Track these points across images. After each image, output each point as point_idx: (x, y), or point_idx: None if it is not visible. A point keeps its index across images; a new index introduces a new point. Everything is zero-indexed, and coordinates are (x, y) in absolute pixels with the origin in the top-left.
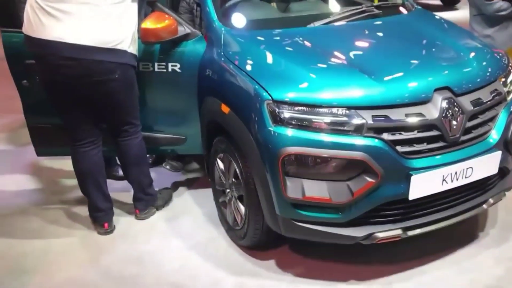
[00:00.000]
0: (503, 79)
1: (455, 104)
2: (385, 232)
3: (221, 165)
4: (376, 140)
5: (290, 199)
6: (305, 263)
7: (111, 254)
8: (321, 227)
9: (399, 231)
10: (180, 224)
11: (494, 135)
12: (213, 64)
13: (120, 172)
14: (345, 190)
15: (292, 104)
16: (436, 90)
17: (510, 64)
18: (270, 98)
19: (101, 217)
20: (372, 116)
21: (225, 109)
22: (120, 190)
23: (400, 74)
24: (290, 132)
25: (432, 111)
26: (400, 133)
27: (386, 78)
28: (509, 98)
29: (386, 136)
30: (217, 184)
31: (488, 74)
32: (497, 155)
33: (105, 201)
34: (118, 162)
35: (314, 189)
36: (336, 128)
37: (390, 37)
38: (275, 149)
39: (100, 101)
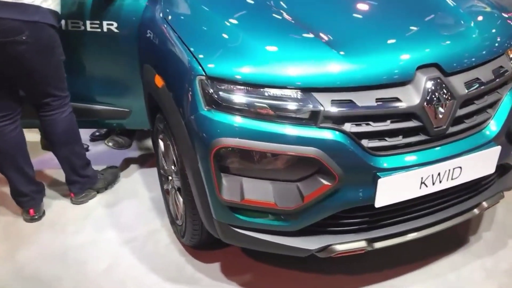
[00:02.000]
0: None
1: (444, 86)
2: (346, 244)
3: (162, 147)
4: (335, 133)
5: (226, 201)
6: (254, 268)
7: (31, 248)
8: (266, 236)
9: (363, 243)
10: (121, 211)
11: (493, 126)
12: (153, 25)
13: None
14: (294, 194)
15: (231, 82)
16: (420, 67)
17: None
18: (203, 72)
19: (25, 202)
20: (332, 101)
21: (158, 81)
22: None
23: (372, 45)
24: (226, 118)
25: (412, 95)
26: (367, 124)
27: (352, 50)
28: None
29: (348, 127)
30: (160, 167)
31: (492, 46)
32: (495, 151)
33: (28, 184)
34: None
35: (256, 191)
36: (284, 115)
37: None
38: (207, 139)
39: (9, 68)
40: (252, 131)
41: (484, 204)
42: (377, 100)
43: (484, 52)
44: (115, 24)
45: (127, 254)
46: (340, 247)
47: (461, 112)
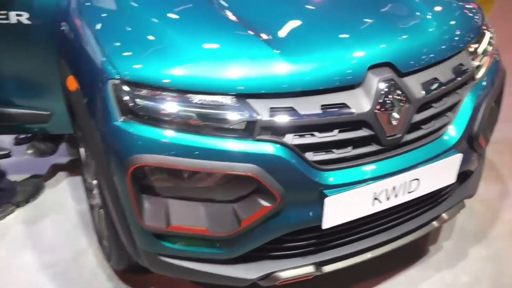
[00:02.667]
0: (473, 48)
1: (398, 88)
2: (291, 271)
3: (83, 157)
4: (275, 146)
5: (149, 228)
6: None
7: None
8: (198, 265)
9: (310, 268)
10: (42, 229)
11: (453, 131)
12: (68, 16)
13: None
14: (229, 217)
15: (150, 86)
16: (371, 67)
17: (485, 24)
18: (117, 75)
19: None
20: (270, 109)
21: (71, 83)
22: None
23: (316, 43)
24: (145, 130)
25: (363, 100)
26: (312, 134)
27: (293, 50)
28: (478, 76)
29: (290, 139)
30: (84, 179)
31: (451, 41)
32: (456, 159)
33: None
34: None
35: (185, 215)
36: (214, 126)
37: None
38: (122, 156)
39: None
40: (176, 146)
41: (444, 216)
42: (323, 107)
43: (443, 48)
44: (26, 15)
45: (45, 282)
46: (284, 274)
47: (418, 117)
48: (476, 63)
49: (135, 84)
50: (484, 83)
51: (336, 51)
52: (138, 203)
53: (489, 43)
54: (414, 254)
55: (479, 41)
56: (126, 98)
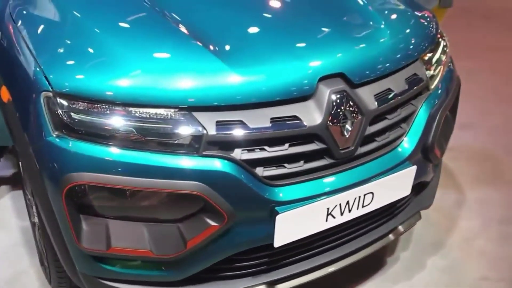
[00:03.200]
0: (427, 57)
1: (351, 100)
2: None
3: (22, 171)
4: (222, 162)
5: (88, 250)
6: None
7: None
8: None
9: None
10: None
11: (408, 143)
12: (1, 23)
13: None
14: (174, 238)
15: (86, 99)
16: (324, 78)
17: (439, 33)
18: (49, 87)
19: None
20: (217, 122)
21: (4, 95)
22: None
23: (265, 53)
24: (81, 147)
25: (314, 113)
26: (262, 149)
27: (242, 59)
28: (433, 86)
29: (238, 154)
30: (25, 195)
31: (406, 50)
32: (411, 171)
33: None
34: None
35: (126, 237)
36: (157, 141)
37: None
38: (56, 174)
39: None
40: (116, 163)
41: (400, 228)
42: (272, 119)
43: (396, 58)
44: None
45: None
46: None
47: (372, 129)
48: (430, 72)
49: (70, 97)
50: (439, 93)
51: (285, 62)
52: (74, 224)
53: (443, 52)
54: (371, 266)
55: (433, 50)
56: (60, 112)
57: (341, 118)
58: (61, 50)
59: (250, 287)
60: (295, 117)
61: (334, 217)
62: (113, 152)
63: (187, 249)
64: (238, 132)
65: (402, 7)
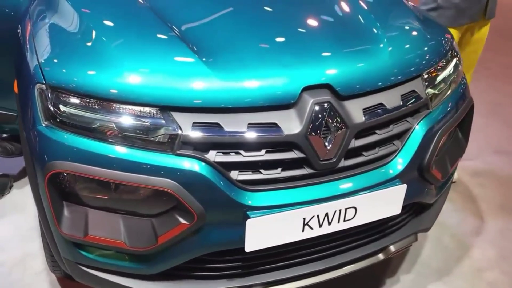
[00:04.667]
0: (431, 75)
1: (335, 112)
2: None
3: None
4: (196, 162)
5: (67, 236)
6: None
7: None
8: (118, 279)
9: None
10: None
11: (400, 161)
12: (22, 19)
13: None
14: (147, 232)
15: (73, 92)
16: (308, 88)
17: (451, 50)
18: (43, 80)
19: None
20: (194, 123)
21: (15, 87)
22: None
23: (249, 57)
24: (64, 137)
25: (294, 122)
26: (237, 153)
27: (222, 63)
28: (434, 105)
29: (213, 156)
30: None
31: (405, 67)
32: (400, 190)
33: None
34: None
35: (103, 226)
36: (133, 137)
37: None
38: (42, 161)
39: None
40: (94, 155)
41: (391, 248)
42: (250, 125)
43: (392, 74)
44: None
45: None
46: None
47: (358, 143)
48: (432, 91)
49: (58, 89)
50: (441, 113)
51: (268, 70)
52: (55, 209)
53: (453, 71)
54: (369, 286)
55: (440, 68)
56: (50, 103)
57: (322, 129)
58: (58, 47)
59: None
60: (274, 124)
61: (312, 228)
62: (94, 144)
63: (158, 244)
64: (213, 134)
65: (410, 22)
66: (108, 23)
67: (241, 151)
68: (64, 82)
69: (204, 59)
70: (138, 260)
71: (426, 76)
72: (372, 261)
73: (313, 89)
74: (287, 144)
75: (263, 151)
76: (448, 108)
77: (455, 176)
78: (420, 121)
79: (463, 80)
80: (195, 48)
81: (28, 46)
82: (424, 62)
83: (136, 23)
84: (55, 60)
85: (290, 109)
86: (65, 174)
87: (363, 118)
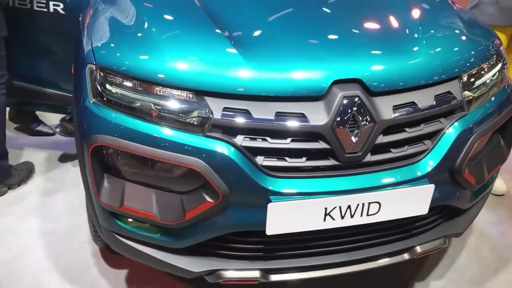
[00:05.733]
0: (471, 78)
1: (363, 107)
2: (236, 272)
3: None
4: (224, 145)
5: (105, 205)
6: (160, 282)
7: None
8: (150, 250)
9: (256, 273)
10: (54, 201)
11: (429, 161)
12: (83, 10)
13: (40, 127)
14: (176, 207)
15: (118, 73)
16: (339, 82)
17: (497, 54)
18: (93, 61)
19: None
20: (224, 108)
21: (72, 69)
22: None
23: (282, 49)
24: (107, 113)
25: (321, 113)
26: (264, 139)
27: (257, 54)
28: (470, 108)
29: (240, 140)
30: None
31: (442, 68)
32: (427, 189)
33: None
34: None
35: (137, 199)
36: (169, 118)
37: None
38: (87, 134)
39: None
40: (133, 131)
41: (418, 248)
42: (277, 113)
43: (427, 74)
44: (61, 5)
45: (38, 247)
46: (228, 274)
47: (386, 139)
48: (470, 93)
49: (107, 70)
50: (478, 116)
51: (300, 62)
52: (96, 180)
53: (497, 76)
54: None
55: (482, 72)
56: (98, 82)
57: (349, 122)
58: (111, 34)
59: (243, 270)
60: (301, 114)
61: (333, 219)
62: (133, 122)
63: (186, 219)
64: (242, 120)
65: (453, 25)
66: (159, 17)
67: (268, 138)
68: (112, 64)
69: (240, 50)
70: (167, 233)
71: (465, 79)
72: (397, 259)
73: (344, 83)
74: (312, 135)
75: (289, 139)
76: (487, 112)
77: (503, 188)
78: (453, 123)
79: (508, 85)
80: (233, 40)
81: (85, 32)
82: (463, 64)
83: (183, 17)
84: (106, 45)
85: (319, 101)
86: (106, 148)
87: (392, 115)
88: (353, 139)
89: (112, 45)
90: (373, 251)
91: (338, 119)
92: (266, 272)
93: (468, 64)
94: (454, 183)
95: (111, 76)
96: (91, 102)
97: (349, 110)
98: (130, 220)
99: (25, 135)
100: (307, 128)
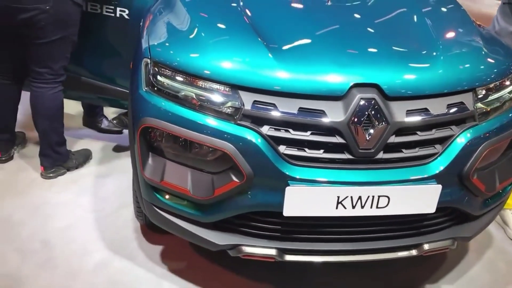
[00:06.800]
0: (485, 91)
1: (378, 108)
2: (255, 248)
3: None
4: (251, 132)
5: (147, 179)
6: (191, 259)
7: (17, 195)
8: (181, 222)
9: (273, 251)
10: (106, 183)
11: (438, 163)
12: (145, 15)
13: (105, 124)
14: (207, 185)
15: (168, 67)
16: (358, 85)
17: None
18: (149, 56)
19: None
20: (254, 101)
21: (131, 65)
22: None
23: (309, 53)
24: (156, 100)
25: (340, 111)
26: (287, 130)
27: (286, 55)
28: (482, 119)
29: (266, 129)
30: None
31: (454, 80)
32: (434, 189)
33: (4, 133)
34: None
35: (175, 175)
36: (207, 106)
37: (338, 7)
38: (137, 117)
39: (25, 30)
40: (176, 116)
41: (425, 246)
42: (300, 109)
43: (442, 85)
44: (127, 11)
45: (88, 220)
46: (248, 249)
47: (397, 139)
48: (483, 106)
49: (159, 64)
50: (490, 127)
51: (324, 66)
52: (142, 157)
53: None
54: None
55: (498, 87)
56: (151, 73)
57: (364, 121)
58: (165, 35)
59: (262, 247)
60: (322, 111)
61: (345, 208)
62: (177, 108)
63: (214, 195)
64: (268, 112)
65: (472, 41)
66: (209, 24)
67: (290, 130)
68: (164, 59)
69: (273, 52)
70: (198, 208)
71: (479, 92)
72: (405, 254)
73: (363, 87)
74: (330, 130)
75: (309, 132)
76: (499, 125)
77: None
78: (463, 131)
79: None
80: (267, 43)
81: (144, 33)
82: (477, 79)
83: (228, 25)
84: (160, 43)
85: (339, 101)
86: (153, 130)
87: (404, 119)
88: (367, 136)
89: (166, 44)
90: (384, 243)
91: (354, 117)
92: (282, 251)
93: (483, 79)
94: (463, 188)
95: (162, 69)
96: (144, 90)
97: (365, 111)
98: (167, 196)
99: (90, 130)
100: (326, 123)
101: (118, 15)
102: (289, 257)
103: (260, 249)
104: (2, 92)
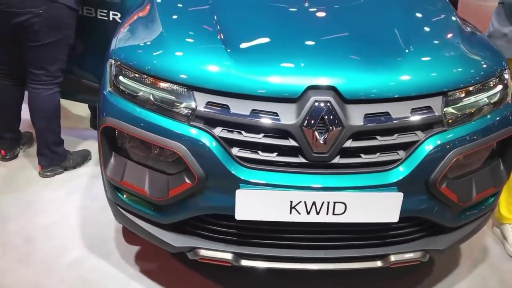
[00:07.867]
0: (457, 96)
1: (333, 112)
2: (211, 252)
3: None
4: (203, 134)
5: (109, 178)
6: (165, 262)
7: (10, 190)
8: (142, 223)
9: (229, 255)
10: (98, 184)
11: (400, 170)
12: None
13: None
14: (163, 186)
15: (129, 68)
16: (314, 88)
17: (497, 79)
18: (113, 57)
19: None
20: (207, 102)
21: None
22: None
23: (265, 54)
24: (117, 100)
25: (293, 114)
26: (239, 132)
27: (242, 56)
28: (452, 125)
29: (219, 131)
30: None
31: (421, 83)
32: (395, 197)
33: (9, 132)
34: None
35: (134, 175)
36: (162, 107)
37: (305, 11)
38: (100, 116)
39: (20, 33)
40: (132, 116)
41: (392, 257)
42: (253, 110)
43: (406, 88)
44: (119, 15)
45: (74, 218)
46: (203, 252)
47: (355, 144)
48: (452, 111)
49: (122, 64)
50: (461, 134)
51: (280, 67)
52: (104, 156)
53: (492, 97)
54: None
55: (472, 91)
56: (114, 74)
57: (317, 124)
58: (130, 35)
59: (218, 250)
60: (274, 113)
61: (299, 213)
62: (135, 109)
63: (169, 197)
64: (221, 113)
65: (450, 44)
66: (173, 25)
67: (243, 132)
68: (126, 59)
69: (229, 54)
70: (155, 209)
71: (450, 96)
72: (369, 265)
73: (319, 89)
74: (282, 132)
75: (261, 134)
76: (472, 131)
77: None
78: (430, 137)
79: (507, 110)
80: (226, 45)
81: (115, 35)
82: (449, 82)
83: (193, 26)
84: (124, 44)
85: (293, 104)
86: (114, 130)
87: (361, 123)
88: (321, 140)
89: (128, 45)
90: (346, 252)
91: (307, 120)
92: (238, 256)
93: (454, 83)
94: (431, 197)
95: (124, 70)
96: (108, 90)
97: (319, 114)
98: (127, 195)
99: (92, 131)
100: (278, 126)
101: (111, 18)
102: (245, 262)
103: (216, 253)
104: (4, 92)
